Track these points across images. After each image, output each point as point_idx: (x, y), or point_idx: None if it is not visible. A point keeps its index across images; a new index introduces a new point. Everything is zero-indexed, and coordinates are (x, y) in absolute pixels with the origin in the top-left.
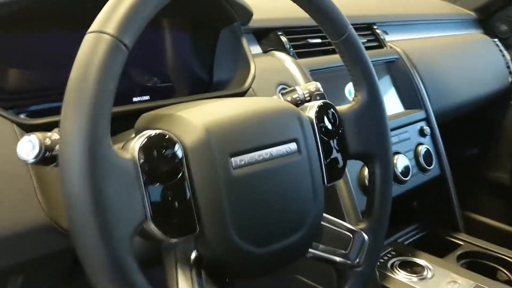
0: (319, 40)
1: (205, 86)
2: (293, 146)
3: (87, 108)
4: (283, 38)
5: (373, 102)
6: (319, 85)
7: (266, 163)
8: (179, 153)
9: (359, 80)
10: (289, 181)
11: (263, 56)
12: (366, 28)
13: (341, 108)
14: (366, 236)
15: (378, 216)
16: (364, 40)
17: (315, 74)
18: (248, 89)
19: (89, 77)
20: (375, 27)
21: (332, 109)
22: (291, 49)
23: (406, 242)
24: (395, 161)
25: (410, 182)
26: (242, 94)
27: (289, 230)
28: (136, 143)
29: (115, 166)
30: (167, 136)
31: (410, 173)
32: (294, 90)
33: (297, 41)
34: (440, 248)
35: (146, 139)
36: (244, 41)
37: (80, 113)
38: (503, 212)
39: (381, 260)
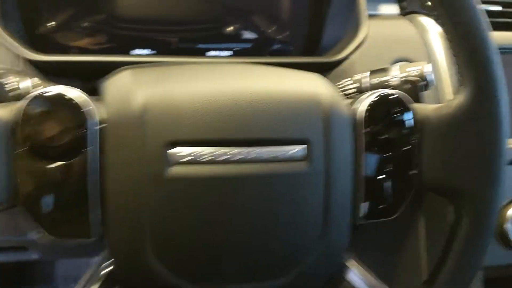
0: (498, 8)
1: (309, 47)
2: (299, 150)
3: None
4: None
5: (481, 106)
6: (428, 67)
7: (239, 167)
8: (90, 125)
9: (463, 67)
10: (277, 199)
11: (397, 20)
12: None
13: (423, 108)
14: None
15: None
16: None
17: None
18: (343, 60)
19: None
20: None
21: (401, 107)
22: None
23: None
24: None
25: None
26: (331, 65)
27: (256, 272)
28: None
29: None
30: (78, 98)
31: None
32: (385, 70)
33: None
34: None
35: (38, 97)
36: None
37: None
38: None
39: None
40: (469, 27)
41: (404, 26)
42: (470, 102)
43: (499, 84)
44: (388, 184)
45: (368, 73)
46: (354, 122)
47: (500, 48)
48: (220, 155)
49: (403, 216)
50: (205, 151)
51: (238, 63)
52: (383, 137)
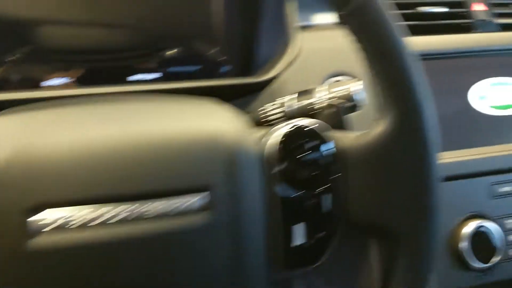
0: (444, 9)
1: (244, 67)
2: (198, 199)
3: None
4: None
5: (405, 134)
6: (357, 86)
7: (119, 229)
8: None
9: (383, 90)
10: (170, 263)
11: (334, 30)
12: None
13: (343, 137)
14: None
15: None
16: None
17: (424, 62)
18: (272, 80)
19: None
20: None
21: (318, 139)
22: None
23: None
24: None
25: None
26: (259, 86)
27: None
28: None
29: None
30: None
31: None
32: (311, 91)
33: (404, 8)
34: None
35: None
36: (291, 4)
37: None
38: None
39: None
40: (388, 47)
41: (341, 36)
42: (392, 130)
43: (424, 109)
44: (308, 228)
45: (296, 95)
46: (264, 160)
47: (442, 53)
48: (95, 217)
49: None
50: (75, 214)
51: (133, 97)
52: (299, 174)
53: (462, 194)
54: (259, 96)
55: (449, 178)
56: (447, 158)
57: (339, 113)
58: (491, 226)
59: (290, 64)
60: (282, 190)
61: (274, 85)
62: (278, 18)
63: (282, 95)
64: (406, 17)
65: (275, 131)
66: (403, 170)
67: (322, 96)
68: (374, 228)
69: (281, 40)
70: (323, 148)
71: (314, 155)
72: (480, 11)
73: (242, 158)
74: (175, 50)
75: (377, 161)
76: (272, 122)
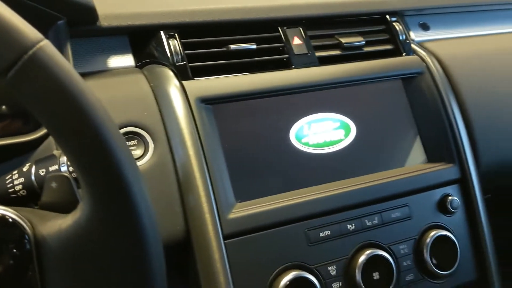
0: (252, 46)
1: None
2: None
3: None
4: (171, 43)
5: (108, 221)
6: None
7: None
8: None
9: (78, 171)
10: None
11: (130, 74)
12: (379, 21)
13: (45, 226)
14: None
15: None
16: (373, 39)
17: (220, 108)
18: (41, 138)
19: None
20: (393, 18)
21: (16, 229)
22: (184, 61)
23: None
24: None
25: None
26: (30, 146)
27: None
28: None
29: None
30: None
31: (394, 282)
32: (53, 157)
33: (213, 46)
34: None
35: None
36: (69, 51)
37: None
38: None
39: None
40: (75, 120)
41: (135, 82)
42: (86, 219)
43: (131, 190)
44: None
45: (33, 162)
46: None
47: (262, 92)
48: None
49: None
50: None
51: None
52: None
53: (279, 243)
54: (35, 153)
55: (265, 227)
56: (266, 204)
57: (69, 184)
58: (308, 276)
59: None
60: None
61: (46, 144)
62: None
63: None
64: (218, 56)
65: None
66: (109, 261)
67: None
68: None
69: None
70: (21, 241)
71: (11, 250)
72: (299, 44)
73: None
74: None
75: (77, 251)
76: (13, 196)
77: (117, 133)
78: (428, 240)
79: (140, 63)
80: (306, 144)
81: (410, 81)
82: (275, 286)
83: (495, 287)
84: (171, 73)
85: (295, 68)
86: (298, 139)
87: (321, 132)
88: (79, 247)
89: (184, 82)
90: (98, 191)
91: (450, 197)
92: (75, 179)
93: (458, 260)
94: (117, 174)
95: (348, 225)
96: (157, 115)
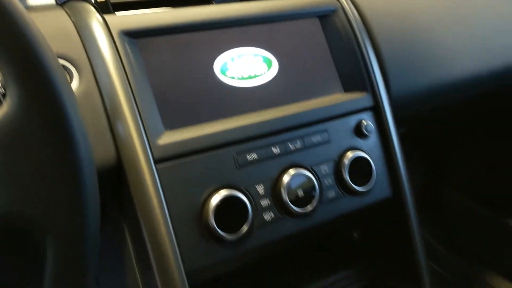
0: None
1: None
2: None
3: None
4: None
5: (31, 117)
6: None
7: None
8: None
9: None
10: None
11: (50, 11)
12: None
13: None
14: None
15: None
16: None
17: (144, 43)
18: None
19: None
20: None
21: None
22: None
23: None
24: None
25: (322, 212)
26: None
27: None
28: None
29: None
30: None
31: (317, 198)
32: None
33: None
34: None
35: None
36: None
37: None
38: None
39: None
40: None
41: (56, 17)
42: (16, 110)
43: (54, 84)
44: None
45: None
46: None
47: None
48: None
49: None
50: None
51: None
52: None
53: (209, 166)
54: None
55: (195, 152)
56: (195, 131)
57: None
58: (239, 194)
59: None
60: None
61: None
62: None
63: None
64: None
65: None
66: (34, 158)
67: None
68: (15, 219)
69: None
70: None
71: None
72: None
73: None
74: None
75: (8, 144)
76: None
77: (45, 40)
78: (346, 160)
79: (61, 1)
80: (231, 77)
81: (326, 18)
82: (208, 204)
83: (408, 204)
84: (92, 8)
85: (215, 4)
86: (223, 72)
87: (244, 65)
88: (8, 138)
89: (106, 16)
90: (26, 83)
91: (364, 123)
92: None
93: (374, 178)
94: (43, 67)
95: (273, 149)
96: (80, 48)
